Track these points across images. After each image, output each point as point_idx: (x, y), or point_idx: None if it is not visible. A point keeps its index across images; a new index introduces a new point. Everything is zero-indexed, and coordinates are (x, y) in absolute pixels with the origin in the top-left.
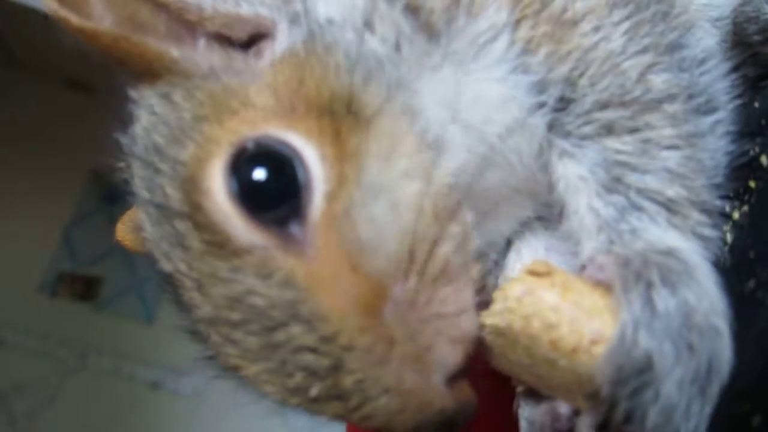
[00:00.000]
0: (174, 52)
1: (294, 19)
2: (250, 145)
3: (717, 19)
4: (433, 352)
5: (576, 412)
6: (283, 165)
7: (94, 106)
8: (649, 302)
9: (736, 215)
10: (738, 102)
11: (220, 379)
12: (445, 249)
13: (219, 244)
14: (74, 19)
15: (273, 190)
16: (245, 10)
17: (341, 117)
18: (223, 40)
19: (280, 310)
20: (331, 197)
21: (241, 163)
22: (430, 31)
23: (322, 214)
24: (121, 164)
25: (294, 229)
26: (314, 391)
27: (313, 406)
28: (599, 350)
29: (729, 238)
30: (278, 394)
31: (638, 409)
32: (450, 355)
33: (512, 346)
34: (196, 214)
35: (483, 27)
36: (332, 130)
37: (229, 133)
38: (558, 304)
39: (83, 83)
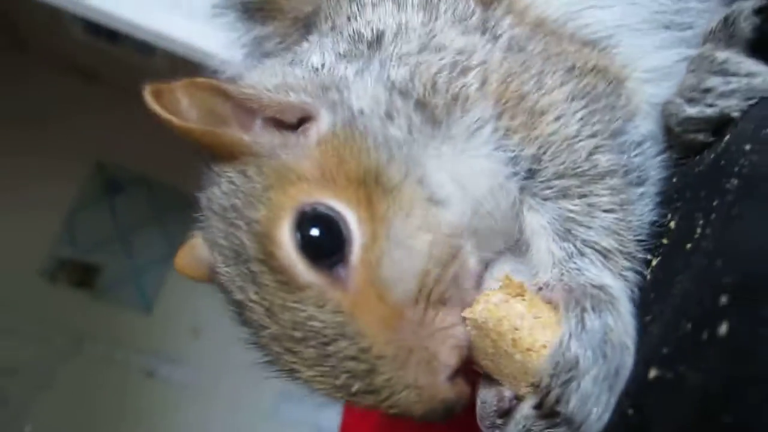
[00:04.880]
0: (246, 138)
1: (332, 106)
2: (308, 209)
3: (658, 105)
4: (438, 357)
5: (516, 398)
6: (331, 225)
7: (102, 94)
8: (581, 321)
9: (654, 263)
10: (664, 176)
11: (211, 371)
12: (444, 282)
13: (286, 282)
14: (175, 121)
15: (325, 243)
16: (293, 97)
17: (372, 188)
18: (277, 123)
19: (331, 330)
20: (366, 248)
21: (302, 223)
22: (435, 121)
23: (359, 260)
24: (199, 216)
25: (340, 271)
26: (354, 389)
27: (353, 398)
28: (545, 352)
29: (649, 279)
30: (327, 391)
31: (564, 395)
32: (450, 358)
33: (483, 337)
34: (269, 259)
35: (474, 118)
36: (365, 198)
37: (290, 200)
38: (524, 314)
39: (89, 71)
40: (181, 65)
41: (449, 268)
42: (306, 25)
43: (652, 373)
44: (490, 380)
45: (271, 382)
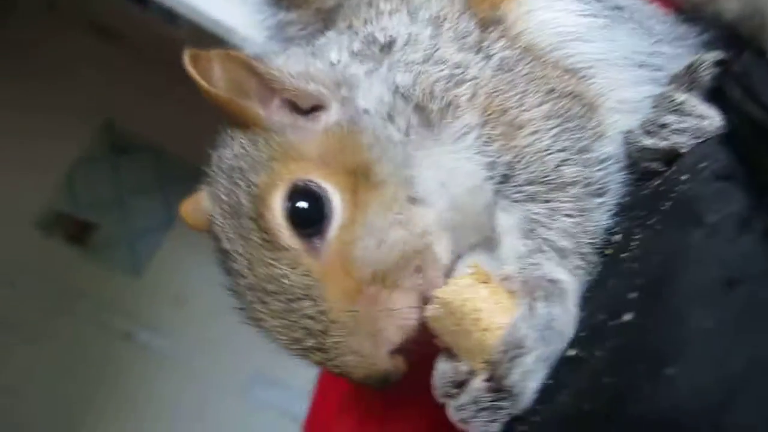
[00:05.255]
0: (261, 112)
1: (342, 102)
2: (300, 184)
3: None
4: (384, 333)
5: (470, 372)
6: (318, 201)
7: (123, 56)
8: (532, 308)
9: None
10: (622, 192)
11: (190, 344)
12: (405, 271)
13: (270, 241)
14: (206, 86)
15: (309, 215)
16: (312, 87)
17: (361, 179)
18: (293, 105)
19: (298, 289)
20: (343, 228)
21: (293, 194)
22: (429, 124)
23: (335, 237)
24: (209, 171)
25: (316, 242)
26: (308, 344)
27: (305, 353)
28: (500, 333)
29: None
30: (284, 342)
31: (510, 369)
32: (394, 336)
33: (449, 314)
34: (259, 219)
35: (462, 124)
36: (353, 186)
37: (289, 173)
38: (487, 298)
39: (110, 30)
40: (204, 38)
41: (413, 260)
42: (326, 19)
43: (570, 352)
44: (450, 355)
45: (247, 362)
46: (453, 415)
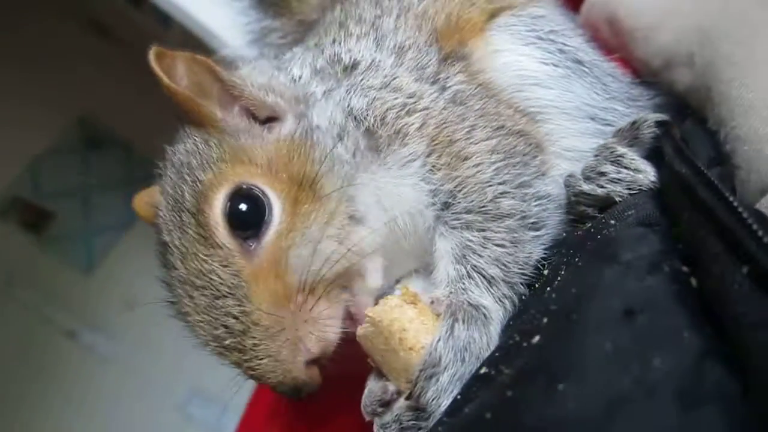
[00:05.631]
0: (219, 114)
1: (297, 116)
2: (244, 186)
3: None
4: (304, 342)
5: (398, 392)
6: (258, 205)
7: (106, 51)
8: (450, 329)
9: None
10: (558, 231)
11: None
12: (334, 284)
13: (205, 237)
14: (166, 80)
15: (248, 218)
16: (270, 99)
17: (304, 189)
18: (250, 113)
19: (225, 287)
20: (280, 234)
21: (235, 195)
22: (376, 148)
23: (270, 242)
24: (160, 164)
25: (251, 244)
26: (227, 342)
27: (223, 351)
28: (423, 352)
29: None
30: (205, 338)
31: (425, 387)
32: (313, 347)
33: (377, 333)
34: (199, 215)
35: (408, 151)
36: (296, 196)
37: (235, 175)
38: (413, 319)
39: (102, 26)
40: (193, 42)
41: (345, 276)
42: (307, 30)
43: (482, 370)
44: (380, 375)
45: (188, 376)
46: None
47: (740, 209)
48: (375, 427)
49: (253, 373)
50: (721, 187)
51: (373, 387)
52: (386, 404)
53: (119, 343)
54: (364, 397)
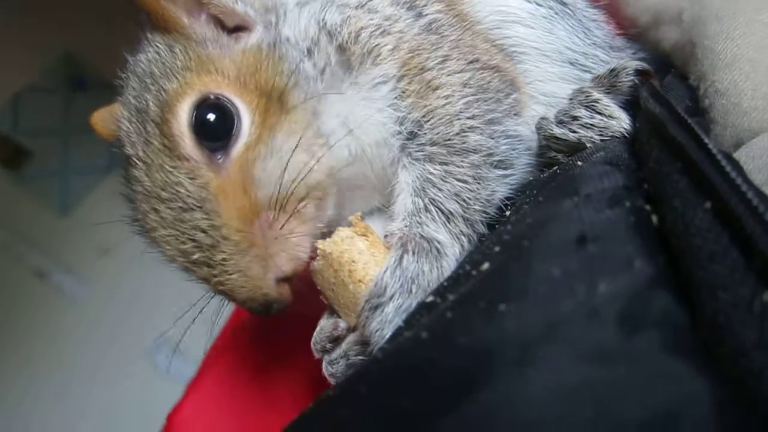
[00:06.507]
0: (185, 20)
1: (267, 26)
2: (211, 96)
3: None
4: (274, 259)
5: (348, 329)
6: (226, 116)
7: None
8: (399, 260)
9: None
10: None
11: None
12: (304, 203)
13: (171, 148)
14: None
15: (215, 129)
16: (239, 7)
17: (273, 101)
18: (218, 22)
19: (193, 200)
20: (248, 147)
21: (201, 105)
22: (348, 66)
23: (239, 154)
24: (122, 74)
25: (219, 156)
26: (195, 257)
27: (191, 266)
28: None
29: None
30: (171, 253)
31: (370, 318)
32: (284, 265)
33: (327, 266)
34: (163, 125)
35: (379, 73)
36: (264, 107)
37: (201, 84)
38: (363, 250)
39: None
40: None
41: (315, 191)
42: None
43: (429, 299)
44: (333, 312)
45: (155, 325)
46: (324, 369)
47: (710, 146)
48: (323, 364)
49: (222, 288)
50: (692, 123)
51: (324, 324)
52: (336, 340)
53: (90, 288)
54: (315, 334)
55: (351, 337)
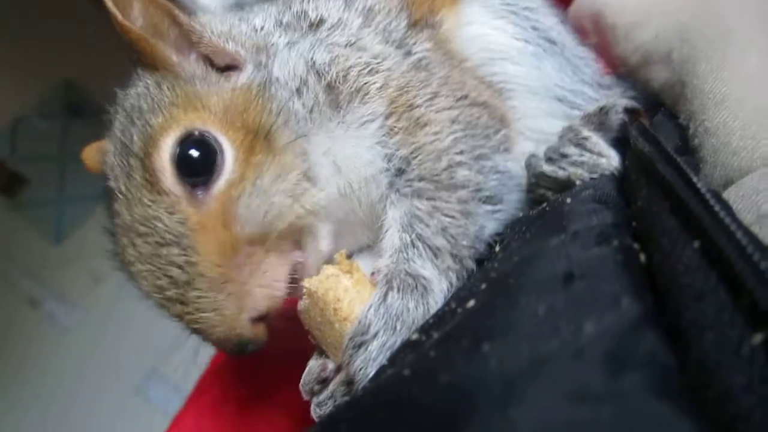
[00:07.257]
0: (174, 58)
1: (257, 66)
2: (196, 132)
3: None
4: (251, 297)
5: (337, 370)
6: (210, 153)
7: (99, 17)
8: (384, 297)
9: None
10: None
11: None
12: (287, 240)
13: (152, 182)
14: (119, 17)
15: (198, 165)
16: (230, 47)
17: (259, 139)
18: (208, 60)
19: (170, 235)
20: (231, 184)
21: (185, 140)
22: (336, 104)
23: (220, 191)
24: (111, 109)
25: (200, 192)
26: (170, 293)
27: (166, 303)
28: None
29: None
30: (147, 288)
31: (354, 356)
32: (259, 303)
33: (313, 305)
34: (146, 158)
35: (367, 111)
36: (249, 145)
37: (187, 120)
38: (348, 288)
39: None
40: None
41: (296, 233)
42: None
43: (413, 336)
44: (321, 353)
45: (147, 356)
46: (312, 412)
47: (699, 185)
48: (312, 406)
49: (195, 326)
50: (681, 162)
51: (312, 365)
52: (324, 381)
53: (82, 316)
54: (303, 375)
55: (337, 378)
